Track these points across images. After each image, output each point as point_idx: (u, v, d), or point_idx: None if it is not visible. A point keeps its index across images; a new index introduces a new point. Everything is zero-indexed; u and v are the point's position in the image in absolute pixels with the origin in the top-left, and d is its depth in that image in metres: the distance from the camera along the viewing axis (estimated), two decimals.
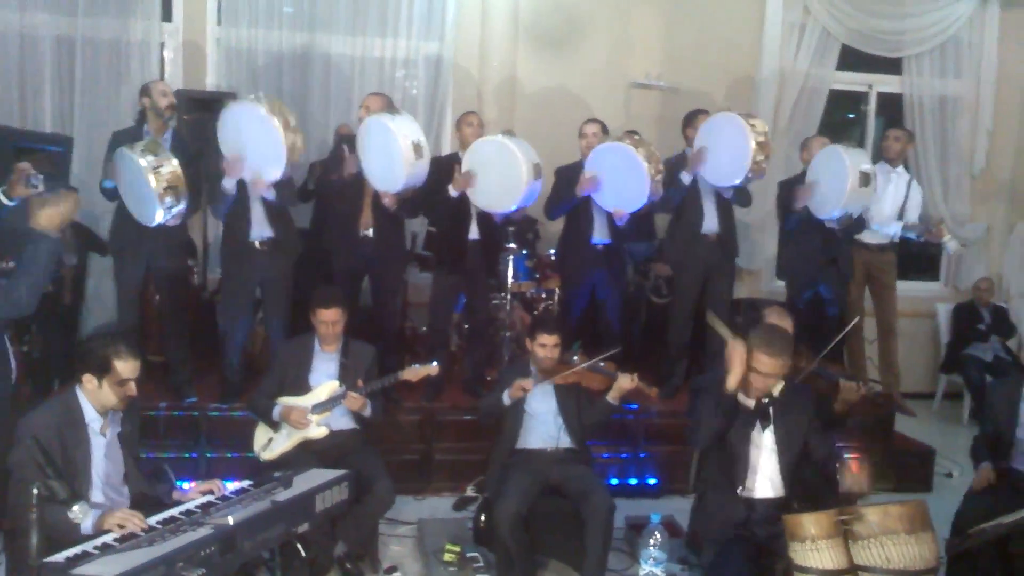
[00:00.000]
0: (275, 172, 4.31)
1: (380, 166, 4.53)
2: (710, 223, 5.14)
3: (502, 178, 4.61)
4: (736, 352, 3.22)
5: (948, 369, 6.69)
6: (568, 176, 5.05)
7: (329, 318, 3.93)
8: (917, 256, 7.00)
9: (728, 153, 4.81)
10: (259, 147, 4.28)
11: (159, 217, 4.12)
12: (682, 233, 5.21)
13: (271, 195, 4.52)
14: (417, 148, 4.41)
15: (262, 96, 4.33)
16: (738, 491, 3.26)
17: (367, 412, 3.92)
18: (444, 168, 4.87)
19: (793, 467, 3.33)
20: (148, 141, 4.19)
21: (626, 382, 3.78)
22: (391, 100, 4.81)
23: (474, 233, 4.96)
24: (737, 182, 4.87)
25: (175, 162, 4.08)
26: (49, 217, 2.91)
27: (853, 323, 4.31)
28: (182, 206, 4.19)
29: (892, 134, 5.85)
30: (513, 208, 4.70)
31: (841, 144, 5.03)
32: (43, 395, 4.59)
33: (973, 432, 4.01)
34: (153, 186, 4.00)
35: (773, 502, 3.31)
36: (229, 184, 4.45)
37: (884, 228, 5.69)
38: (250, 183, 4.44)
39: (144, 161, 4.01)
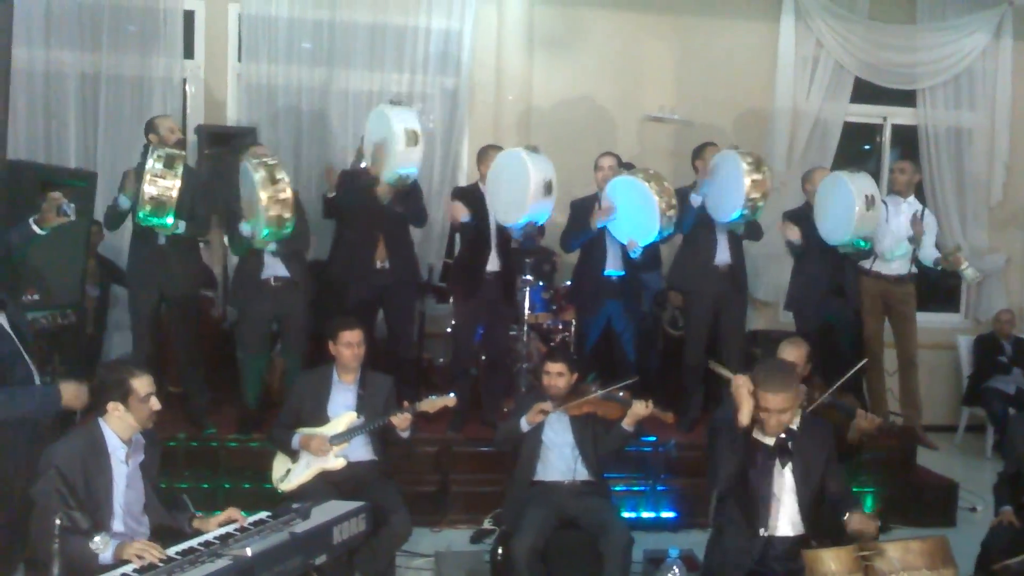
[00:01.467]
0: (259, 233, 4.36)
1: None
2: (722, 255, 5.17)
3: (512, 190, 4.63)
4: (740, 387, 3.15)
5: (970, 402, 6.62)
6: (584, 208, 5.09)
7: (353, 339, 3.95)
8: (937, 287, 6.96)
9: (727, 189, 4.86)
10: (254, 205, 4.35)
11: (141, 218, 4.24)
12: (693, 263, 5.23)
13: (273, 247, 4.59)
14: (410, 135, 4.44)
15: (267, 160, 4.37)
16: (760, 532, 3.19)
17: (406, 434, 3.92)
18: (466, 199, 4.92)
19: (813, 503, 3.28)
20: (172, 153, 4.25)
21: (640, 408, 3.79)
22: None
23: (493, 264, 5.00)
24: (731, 219, 4.90)
25: (176, 184, 4.17)
26: (72, 395, 3.06)
27: (861, 364, 4.21)
28: (165, 220, 4.24)
29: (897, 166, 5.83)
30: (520, 222, 4.68)
31: (844, 170, 5.05)
32: (65, 426, 4.62)
33: (996, 466, 3.98)
34: (143, 190, 4.13)
35: (792, 539, 3.26)
36: (246, 229, 4.54)
37: (896, 251, 5.65)
38: None
39: (151, 164, 4.14)
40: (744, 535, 3.21)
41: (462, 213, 4.90)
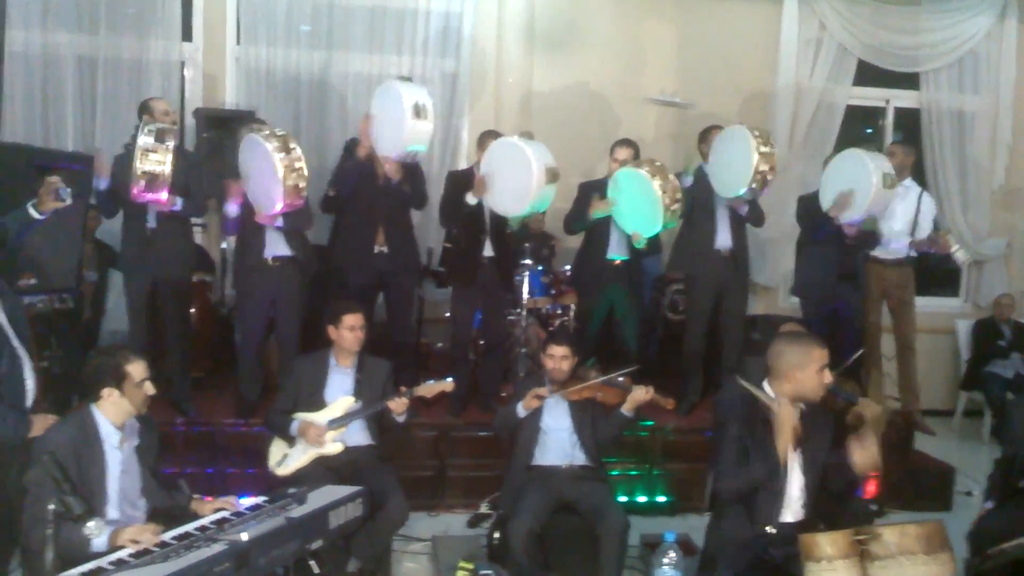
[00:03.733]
0: (272, 208, 4.33)
1: (386, 130, 4.54)
2: (723, 239, 5.13)
3: (515, 181, 4.56)
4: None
5: (968, 386, 6.62)
6: (591, 192, 5.06)
7: (357, 322, 3.95)
8: (936, 272, 6.93)
9: (733, 164, 4.81)
10: (263, 180, 4.32)
11: (136, 194, 4.22)
12: (695, 248, 5.20)
13: (279, 223, 4.56)
14: (418, 109, 4.42)
15: (277, 131, 4.34)
16: (767, 529, 3.16)
17: (402, 418, 3.92)
18: (463, 181, 4.90)
19: (815, 490, 3.27)
20: (163, 128, 4.22)
21: (641, 394, 3.78)
22: None
23: (488, 250, 4.97)
24: (740, 192, 4.82)
25: (168, 158, 4.15)
26: (40, 428, 3.08)
27: (857, 354, 4.18)
28: (159, 195, 4.22)
29: (889, 149, 5.73)
30: (524, 211, 4.64)
31: (860, 148, 5.00)
32: (62, 411, 4.62)
33: (994, 450, 3.97)
34: (136, 164, 4.14)
35: (792, 524, 3.25)
36: (230, 209, 4.54)
37: (895, 243, 5.64)
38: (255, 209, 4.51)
39: (142, 140, 4.13)
40: (746, 529, 3.20)
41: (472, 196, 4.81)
